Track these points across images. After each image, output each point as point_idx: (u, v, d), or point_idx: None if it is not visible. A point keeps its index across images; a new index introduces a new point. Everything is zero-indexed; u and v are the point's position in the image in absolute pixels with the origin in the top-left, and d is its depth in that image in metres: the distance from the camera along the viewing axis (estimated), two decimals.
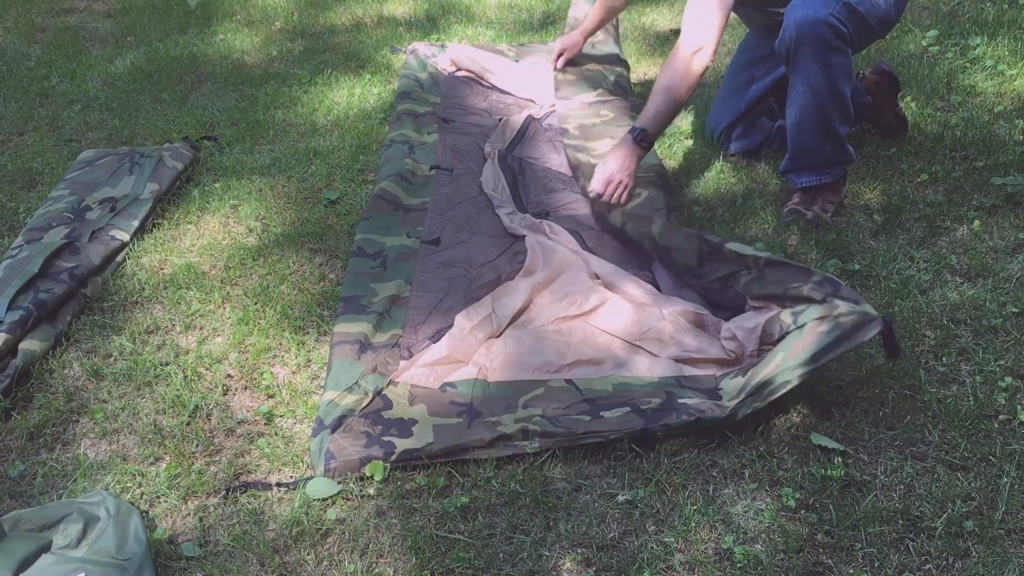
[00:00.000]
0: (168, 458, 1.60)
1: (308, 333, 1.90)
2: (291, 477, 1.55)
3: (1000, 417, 1.62)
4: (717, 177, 2.48)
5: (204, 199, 2.42)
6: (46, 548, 1.34)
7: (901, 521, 1.43)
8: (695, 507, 1.47)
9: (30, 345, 1.80)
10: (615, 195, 2.19)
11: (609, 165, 2.23)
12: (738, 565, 1.37)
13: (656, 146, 2.46)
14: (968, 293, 1.94)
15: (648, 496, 1.49)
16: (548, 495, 1.50)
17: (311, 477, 1.53)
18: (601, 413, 1.61)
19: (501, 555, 1.40)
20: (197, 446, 1.62)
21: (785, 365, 1.57)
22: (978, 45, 3.09)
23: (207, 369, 1.81)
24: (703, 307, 1.88)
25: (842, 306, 1.59)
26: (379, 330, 1.85)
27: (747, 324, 1.76)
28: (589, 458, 1.57)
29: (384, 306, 1.91)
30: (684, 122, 2.78)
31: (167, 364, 1.82)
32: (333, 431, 1.58)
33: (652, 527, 1.44)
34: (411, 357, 1.78)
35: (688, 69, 2.13)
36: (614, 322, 1.84)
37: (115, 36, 3.70)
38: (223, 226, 2.31)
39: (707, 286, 1.91)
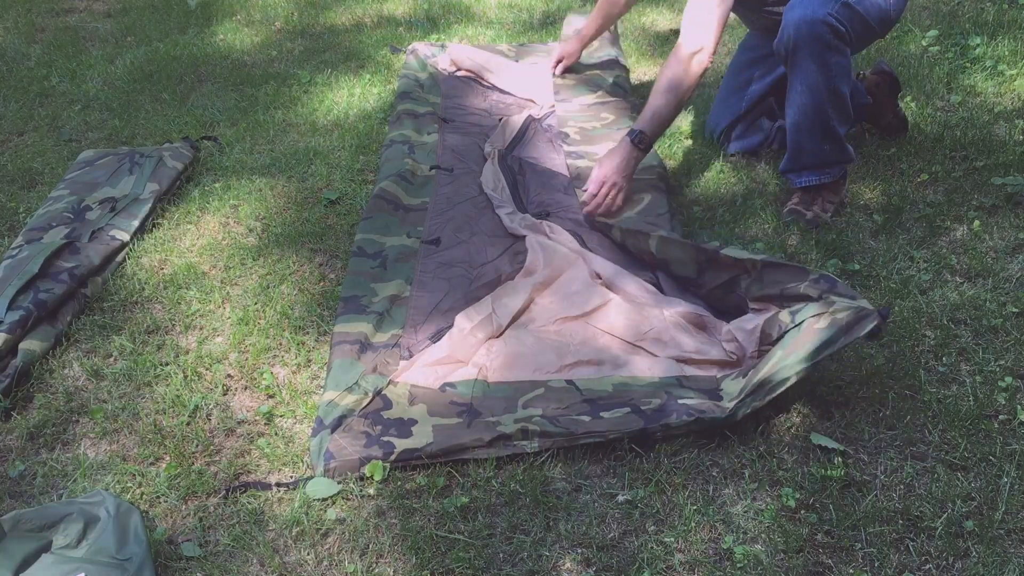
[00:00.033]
0: (168, 458, 1.60)
1: (308, 333, 1.90)
2: (291, 477, 1.55)
3: (1000, 417, 1.62)
4: (717, 177, 2.48)
5: (204, 199, 2.42)
6: (46, 548, 1.34)
7: (901, 521, 1.43)
8: (695, 507, 1.47)
9: (30, 345, 1.80)
10: (608, 197, 2.19)
11: (604, 167, 2.23)
12: (738, 565, 1.37)
13: (656, 147, 2.46)
14: (968, 293, 1.94)
15: (648, 496, 1.49)
16: (548, 495, 1.50)
17: (311, 477, 1.53)
18: (601, 413, 1.61)
19: (501, 555, 1.40)
20: (197, 446, 1.62)
21: (784, 363, 1.57)
22: (978, 45, 3.09)
23: (207, 369, 1.81)
24: (704, 309, 1.88)
25: (839, 302, 1.60)
26: (379, 330, 1.85)
27: (746, 326, 1.76)
28: (589, 458, 1.57)
29: (384, 306, 1.92)
30: (684, 122, 2.78)
31: (167, 364, 1.82)
32: (333, 431, 1.58)
33: (652, 527, 1.44)
34: (411, 357, 1.78)
35: (687, 70, 2.13)
36: (615, 322, 1.84)
37: (115, 36, 3.70)
38: (223, 226, 2.31)
39: (709, 294, 1.91)
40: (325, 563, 1.39)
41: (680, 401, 1.62)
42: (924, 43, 3.21)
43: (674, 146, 2.67)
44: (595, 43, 3.06)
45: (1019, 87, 2.83)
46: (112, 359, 1.85)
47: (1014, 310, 1.88)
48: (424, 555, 1.40)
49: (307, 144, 2.73)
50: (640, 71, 3.26)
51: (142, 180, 2.36)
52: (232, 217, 2.35)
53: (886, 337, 1.81)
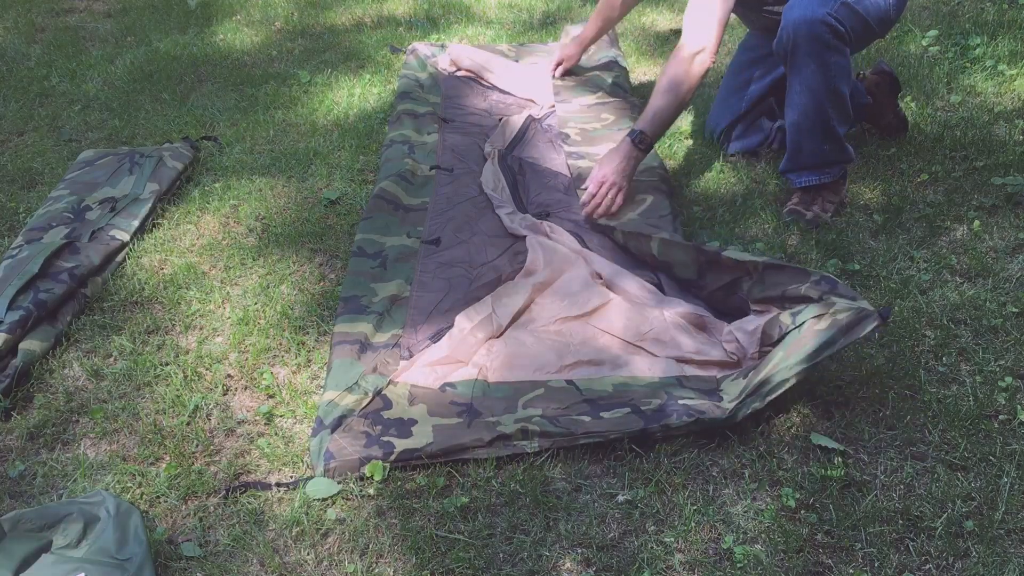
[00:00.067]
0: (168, 458, 1.60)
1: (308, 333, 1.90)
2: (291, 477, 1.55)
3: (1000, 417, 1.62)
4: (717, 177, 2.48)
5: (204, 199, 2.42)
6: (46, 548, 1.34)
7: (901, 521, 1.43)
8: (695, 507, 1.47)
9: (30, 345, 1.80)
10: (608, 197, 2.19)
11: (604, 167, 2.23)
12: (738, 565, 1.37)
13: (656, 147, 2.46)
14: (968, 293, 1.94)
15: (648, 496, 1.49)
16: (548, 495, 1.50)
17: (311, 477, 1.53)
18: (601, 413, 1.61)
19: (501, 555, 1.40)
20: (197, 446, 1.62)
21: (783, 364, 1.57)
22: (978, 45, 3.09)
23: (207, 369, 1.81)
24: (705, 309, 1.88)
25: (839, 303, 1.60)
26: (379, 330, 1.85)
27: (747, 327, 1.76)
28: (589, 458, 1.57)
29: (384, 306, 1.92)
30: (684, 122, 2.78)
31: (167, 364, 1.82)
32: (333, 431, 1.58)
33: (652, 527, 1.44)
34: (411, 357, 1.78)
35: (689, 71, 2.13)
36: (615, 323, 1.84)
37: (115, 36, 3.70)
38: (223, 226, 2.31)
39: (711, 296, 1.91)
40: (325, 563, 1.39)
41: (680, 401, 1.62)
42: (924, 43, 3.21)
43: (674, 146, 2.67)
44: (593, 46, 3.07)
45: (1019, 87, 2.83)
46: (112, 359, 1.85)
47: (1014, 310, 1.88)
48: (424, 555, 1.40)
49: (307, 144, 2.73)
50: (640, 71, 3.26)
51: (142, 180, 2.36)
52: (232, 217, 2.35)
53: (886, 337, 1.81)
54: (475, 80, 3.09)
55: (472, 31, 3.65)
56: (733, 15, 2.35)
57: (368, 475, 1.52)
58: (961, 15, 3.40)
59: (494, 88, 3.05)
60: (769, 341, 1.70)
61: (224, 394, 1.75)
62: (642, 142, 2.20)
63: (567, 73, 2.99)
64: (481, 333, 1.81)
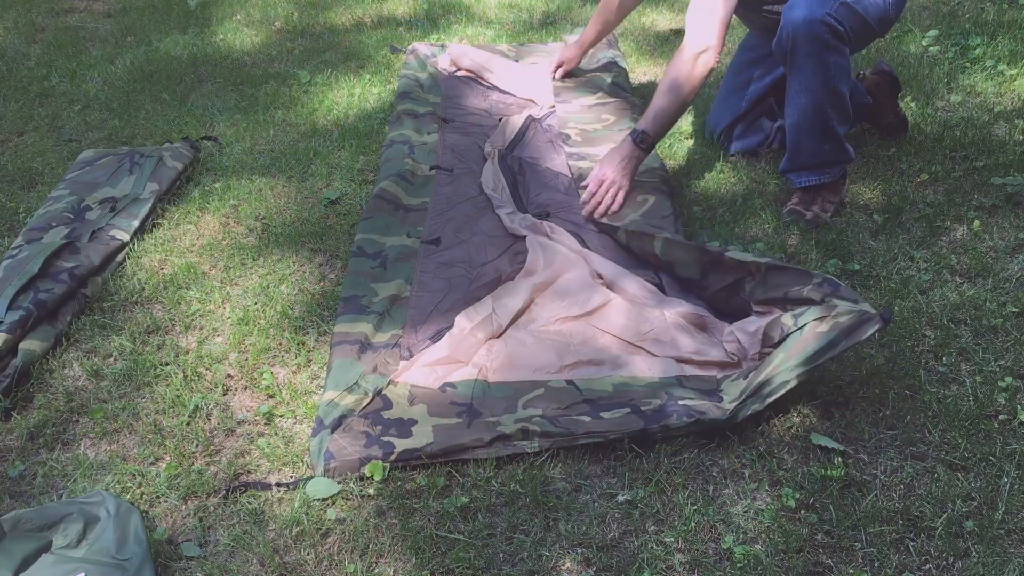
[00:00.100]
0: (168, 458, 1.60)
1: (308, 333, 1.90)
2: (291, 477, 1.55)
3: (1000, 417, 1.62)
4: (717, 177, 2.48)
5: (204, 199, 2.42)
6: (46, 548, 1.34)
7: (901, 521, 1.43)
8: (695, 507, 1.47)
9: (30, 345, 1.80)
10: (608, 195, 2.19)
11: (605, 165, 2.23)
12: (738, 565, 1.37)
13: (657, 148, 2.46)
14: (968, 293, 1.94)
15: (648, 496, 1.49)
16: (548, 495, 1.50)
17: (311, 477, 1.53)
18: (601, 414, 1.61)
19: (501, 555, 1.40)
20: (197, 446, 1.62)
21: (784, 366, 1.57)
22: (978, 45, 3.09)
23: (207, 369, 1.81)
24: (706, 310, 1.88)
25: (841, 306, 1.59)
26: (379, 330, 1.85)
27: (749, 327, 1.76)
28: (589, 458, 1.57)
29: (384, 306, 1.92)
30: (684, 122, 2.78)
31: (167, 364, 1.82)
32: (333, 431, 1.58)
33: (652, 527, 1.44)
34: (411, 357, 1.78)
35: (692, 71, 2.12)
36: (615, 322, 1.84)
37: (115, 36, 3.70)
38: (223, 226, 2.31)
39: (713, 296, 1.91)
40: (325, 563, 1.40)
41: (680, 402, 1.62)
42: (924, 43, 3.21)
43: (674, 146, 2.67)
44: (592, 49, 3.08)
45: (1019, 87, 2.83)
46: (112, 359, 1.85)
47: (1014, 310, 1.88)
48: (424, 555, 1.40)
49: (307, 144, 2.73)
50: (640, 71, 3.26)
51: (142, 180, 2.36)
52: (232, 217, 2.35)
53: (886, 337, 1.81)
54: (475, 80, 3.09)
55: (472, 31, 3.65)
56: (733, 15, 2.35)
57: (368, 475, 1.52)
58: (961, 15, 3.40)
59: (494, 88, 3.05)
60: (770, 342, 1.70)
61: (224, 394, 1.75)
62: (643, 141, 2.20)
63: (567, 75, 2.99)
64: (481, 333, 1.81)
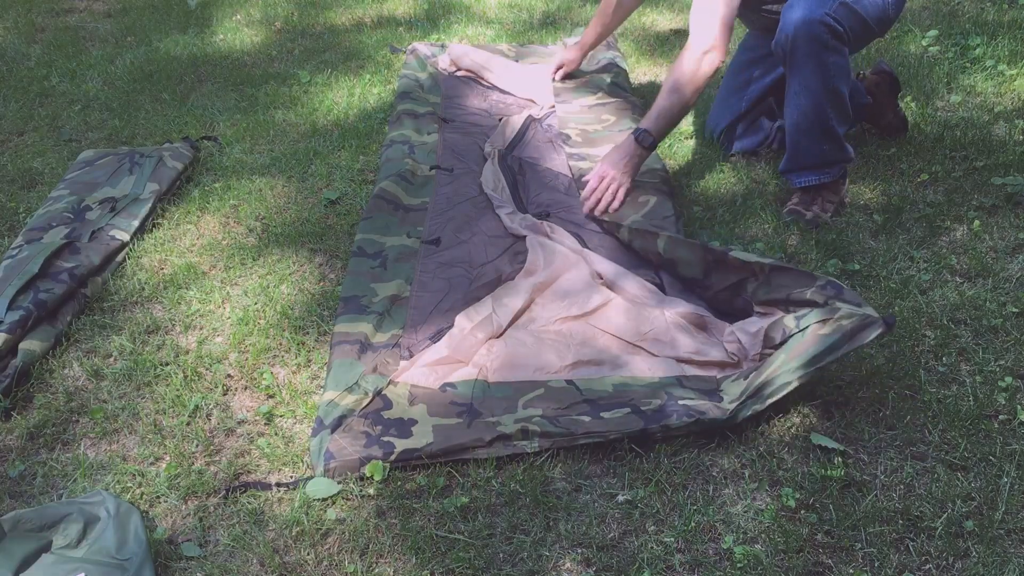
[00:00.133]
0: (168, 458, 1.60)
1: (308, 333, 1.90)
2: (291, 477, 1.55)
3: (1000, 417, 1.62)
4: (717, 177, 2.48)
5: (204, 199, 2.42)
6: (46, 548, 1.34)
7: (901, 521, 1.43)
8: (695, 507, 1.47)
9: (30, 345, 1.80)
10: (608, 191, 2.18)
11: (606, 162, 2.23)
12: (738, 565, 1.37)
13: (657, 149, 2.46)
14: (968, 293, 1.94)
15: (648, 496, 1.49)
16: (548, 495, 1.50)
17: (311, 477, 1.53)
18: (601, 414, 1.61)
19: (501, 555, 1.40)
20: (197, 446, 1.62)
21: (785, 367, 1.57)
22: (978, 45, 3.09)
23: (207, 369, 1.81)
24: (706, 310, 1.88)
25: (844, 309, 1.59)
26: (379, 330, 1.85)
27: (750, 328, 1.76)
28: (589, 458, 1.57)
29: (384, 306, 1.92)
30: (684, 122, 2.78)
31: (167, 364, 1.82)
32: (333, 431, 1.58)
33: (652, 527, 1.44)
34: (411, 357, 1.78)
35: (697, 71, 2.12)
36: (615, 322, 1.84)
37: (115, 36, 3.70)
38: (223, 226, 2.31)
39: (715, 296, 1.91)
40: (325, 563, 1.39)
41: (680, 402, 1.62)
42: (924, 43, 3.21)
43: (674, 146, 2.67)
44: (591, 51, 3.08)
45: (1019, 87, 2.83)
46: (112, 359, 1.85)
47: (1014, 310, 1.88)
48: (424, 555, 1.40)
49: (307, 144, 2.73)
50: (640, 71, 3.26)
51: (142, 180, 2.36)
52: (232, 217, 2.35)
53: (886, 337, 1.81)
54: (475, 80, 3.09)
55: (472, 31, 3.65)
56: None
57: (368, 475, 1.52)
58: (961, 15, 3.41)
59: (494, 88, 3.05)
60: (771, 344, 1.70)
61: (224, 394, 1.75)
62: (646, 140, 2.20)
63: (567, 77, 2.99)
64: (481, 333, 1.81)
